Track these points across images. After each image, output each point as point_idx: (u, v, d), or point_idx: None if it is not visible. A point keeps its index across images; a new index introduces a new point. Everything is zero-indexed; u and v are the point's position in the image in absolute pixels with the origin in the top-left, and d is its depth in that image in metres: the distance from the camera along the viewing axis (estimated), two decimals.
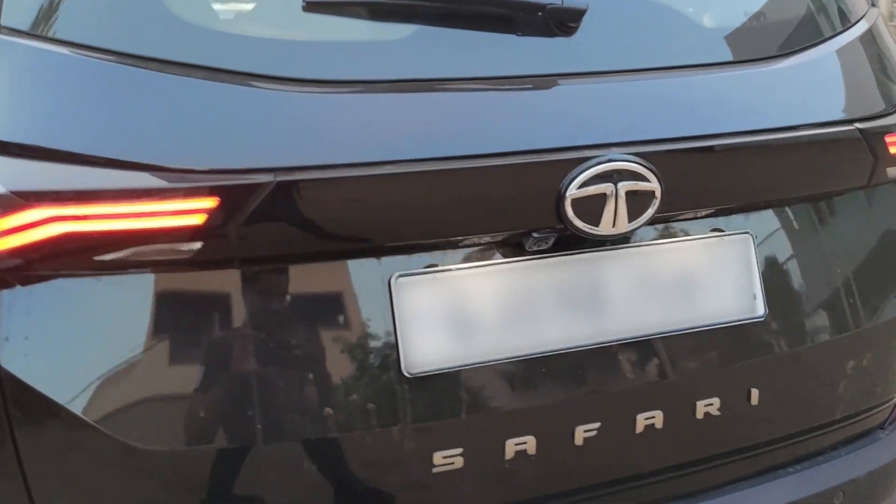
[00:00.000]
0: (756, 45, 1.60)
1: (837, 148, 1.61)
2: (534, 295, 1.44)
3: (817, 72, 1.61)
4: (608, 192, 1.37)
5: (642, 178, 1.39)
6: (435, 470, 1.39)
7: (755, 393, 1.59)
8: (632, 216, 1.41)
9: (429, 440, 1.39)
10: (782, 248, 1.63)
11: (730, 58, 1.57)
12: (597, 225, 1.39)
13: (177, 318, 1.28)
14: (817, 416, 1.71)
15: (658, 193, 1.41)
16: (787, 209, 1.63)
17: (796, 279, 1.63)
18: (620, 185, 1.38)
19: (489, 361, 1.40)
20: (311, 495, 1.36)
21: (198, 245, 1.24)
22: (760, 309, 1.57)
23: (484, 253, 1.42)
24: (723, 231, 1.57)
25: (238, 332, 1.31)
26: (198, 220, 1.22)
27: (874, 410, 1.78)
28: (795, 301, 1.62)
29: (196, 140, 1.24)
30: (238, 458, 1.31)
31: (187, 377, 1.29)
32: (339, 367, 1.36)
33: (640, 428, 1.51)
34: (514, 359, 1.42)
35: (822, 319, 1.65)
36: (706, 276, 1.55)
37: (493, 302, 1.42)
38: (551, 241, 1.41)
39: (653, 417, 1.51)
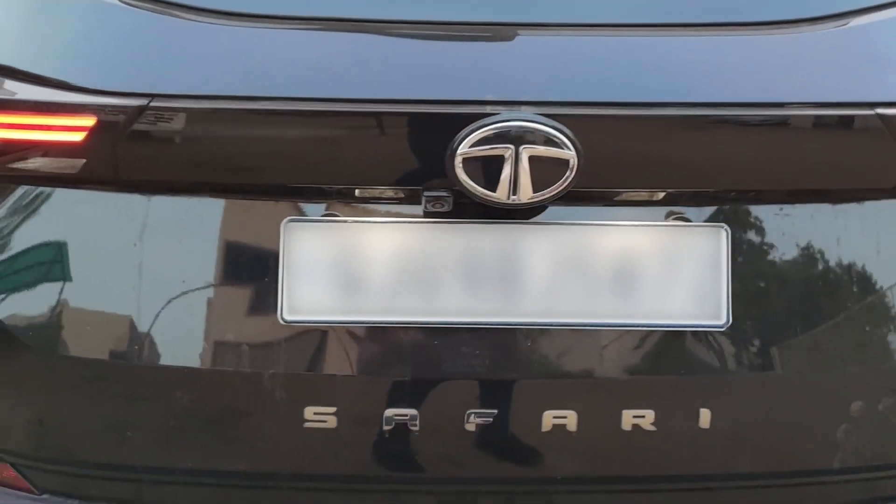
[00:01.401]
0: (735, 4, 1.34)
1: (850, 136, 1.31)
2: (433, 260, 1.33)
3: (821, 40, 1.32)
4: (506, 155, 1.23)
5: (554, 143, 1.23)
6: (306, 425, 1.35)
7: (705, 414, 1.36)
8: (539, 186, 1.25)
9: (301, 392, 1.35)
10: (767, 253, 1.37)
11: (704, 19, 1.33)
12: (493, 190, 1.25)
13: (63, 235, 1.34)
14: (806, 460, 1.42)
15: (574, 164, 1.24)
16: (783, 207, 1.36)
17: (777, 293, 1.36)
18: (523, 148, 1.23)
19: (376, 322, 1.33)
20: (179, 424, 1.37)
21: (80, 162, 1.29)
22: (723, 316, 1.34)
23: (383, 208, 1.33)
24: (688, 220, 1.35)
25: (122, 255, 1.34)
26: (78, 137, 1.27)
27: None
28: (770, 317, 1.36)
29: (79, 59, 1.28)
30: (110, 376, 1.36)
31: (70, 292, 1.35)
32: (220, 301, 1.35)
33: (546, 426, 1.35)
34: (405, 324, 1.33)
35: (803, 346, 1.37)
36: (657, 269, 1.34)
37: (388, 261, 1.33)
38: (449, 204, 1.29)
39: (564, 417, 1.34)
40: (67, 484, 1.44)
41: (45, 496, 1.45)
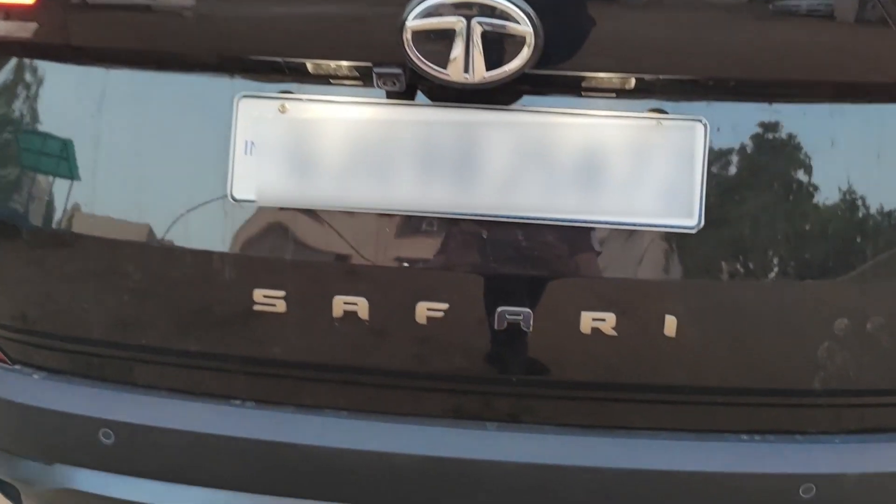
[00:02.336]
0: None
1: (845, 18, 1.19)
2: (388, 145, 1.27)
3: None
4: (458, 28, 1.16)
5: (509, 17, 1.15)
6: (255, 308, 1.32)
7: (671, 321, 1.27)
8: (494, 64, 1.17)
9: (250, 273, 1.32)
10: (748, 152, 1.26)
11: None
12: (444, 67, 1.18)
13: (20, 105, 1.33)
14: (777, 378, 1.33)
15: (531, 41, 1.15)
16: (771, 103, 1.25)
17: (756, 196, 1.26)
18: (475, 21, 1.15)
19: (327, 206, 1.28)
20: (132, 300, 1.36)
21: (34, 27, 1.27)
22: (695, 217, 1.24)
23: (338, 88, 1.28)
24: (663, 112, 1.25)
25: (79, 127, 1.33)
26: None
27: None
28: (746, 222, 1.25)
29: None
30: (64, 248, 1.35)
31: (26, 162, 1.35)
32: (172, 177, 1.32)
33: (500, 324, 1.29)
34: (356, 210, 1.28)
35: (780, 255, 1.26)
36: (626, 163, 1.25)
37: (342, 143, 1.28)
38: (402, 83, 1.22)
39: (518, 316, 1.28)
40: (34, 355, 1.46)
41: (16, 367, 1.48)
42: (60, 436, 1.42)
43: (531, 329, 1.28)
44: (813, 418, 1.36)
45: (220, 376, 1.41)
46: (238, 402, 1.42)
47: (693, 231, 1.24)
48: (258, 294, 1.31)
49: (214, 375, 1.41)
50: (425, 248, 1.28)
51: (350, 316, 1.30)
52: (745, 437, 1.37)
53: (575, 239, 1.27)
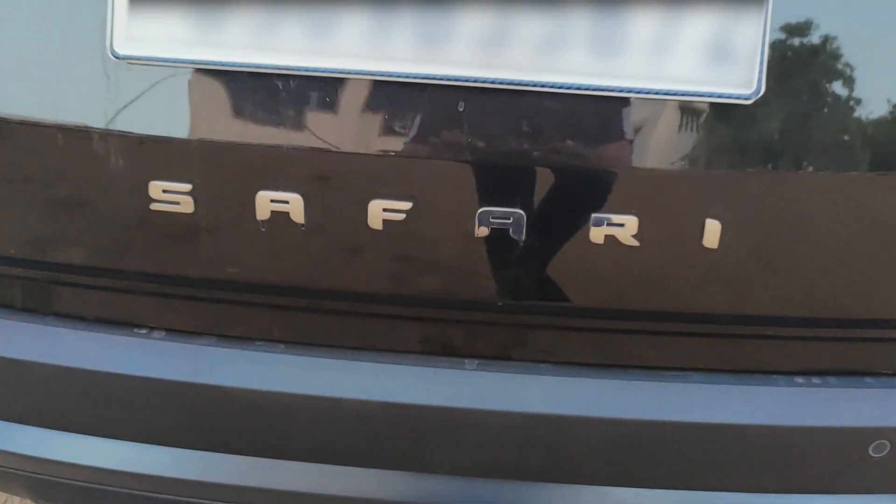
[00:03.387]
0: None
1: None
2: None
3: None
4: None
5: None
6: (153, 206, 0.98)
7: (712, 227, 0.94)
8: None
9: (142, 160, 0.97)
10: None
11: None
12: None
13: None
14: (856, 302, 1.00)
15: None
16: None
17: (834, 58, 0.91)
18: None
19: (241, 64, 0.93)
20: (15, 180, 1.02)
21: None
22: (753, 84, 0.89)
23: None
24: None
25: None
26: None
27: None
28: (821, 91, 0.91)
29: None
30: None
31: None
32: (28, 27, 0.96)
33: (482, 230, 0.95)
34: (282, 70, 0.92)
35: (865, 134, 0.92)
36: (659, 9, 0.90)
37: None
38: None
39: (506, 219, 0.95)
40: None
41: None
42: None
43: (523, 237, 0.95)
44: (890, 356, 1.05)
45: (112, 298, 1.08)
46: (144, 331, 1.10)
47: (749, 102, 0.89)
48: (155, 189, 0.97)
49: (106, 297, 1.09)
50: (379, 124, 0.94)
51: (279, 218, 0.97)
52: (799, 379, 1.05)
53: (585, 113, 0.92)
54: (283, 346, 1.08)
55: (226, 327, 1.09)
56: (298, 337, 1.07)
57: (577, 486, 1.07)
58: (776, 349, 1.04)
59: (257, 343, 1.08)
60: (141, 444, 1.11)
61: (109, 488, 1.15)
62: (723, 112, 0.90)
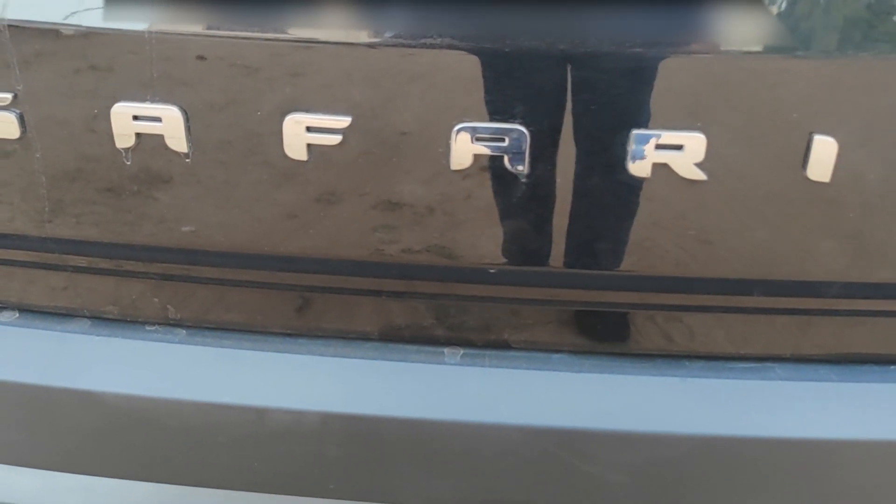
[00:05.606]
0: None
1: None
2: None
3: None
4: None
5: None
6: None
7: (824, 148, 0.59)
8: None
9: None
10: None
11: None
12: None
13: None
14: None
15: None
16: None
17: None
18: None
19: None
20: None
21: None
22: None
23: None
24: None
25: None
26: None
27: None
28: None
29: None
30: None
31: None
32: None
33: (461, 159, 0.61)
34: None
35: None
36: None
37: None
38: None
39: (499, 140, 0.60)
40: None
41: None
42: None
43: (525, 169, 0.61)
44: None
45: None
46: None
47: None
48: None
49: None
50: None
51: (150, 144, 0.63)
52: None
53: None
54: (184, 332, 0.75)
55: (102, 305, 0.76)
56: (204, 318, 0.75)
57: None
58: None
59: (148, 328, 0.76)
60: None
61: None
62: None
